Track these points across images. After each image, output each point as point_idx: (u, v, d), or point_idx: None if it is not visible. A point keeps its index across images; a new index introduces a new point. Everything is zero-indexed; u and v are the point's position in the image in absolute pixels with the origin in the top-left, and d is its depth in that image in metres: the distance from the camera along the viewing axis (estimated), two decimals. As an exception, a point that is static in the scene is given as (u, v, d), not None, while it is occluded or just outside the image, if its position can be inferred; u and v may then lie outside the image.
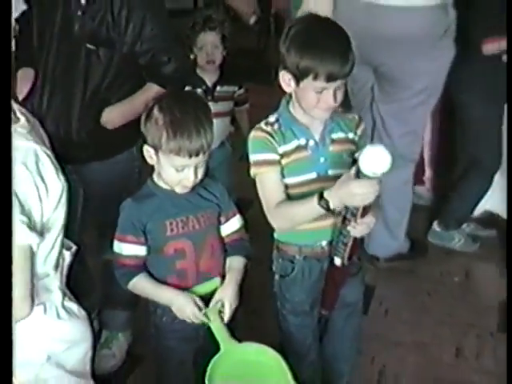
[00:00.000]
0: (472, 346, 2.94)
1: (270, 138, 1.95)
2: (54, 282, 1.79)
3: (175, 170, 1.89)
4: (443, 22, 2.98)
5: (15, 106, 1.75)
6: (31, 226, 1.62)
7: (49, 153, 1.70)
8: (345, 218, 1.91)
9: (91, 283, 2.85)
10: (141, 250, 1.98)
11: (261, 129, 1.98)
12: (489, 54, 3.14)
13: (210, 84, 3.18)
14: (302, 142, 1.98)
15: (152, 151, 1.92)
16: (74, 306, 1.85)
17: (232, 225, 2.09)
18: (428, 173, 4.03)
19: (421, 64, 2.98)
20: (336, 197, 1.83)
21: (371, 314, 3.09)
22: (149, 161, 1.97)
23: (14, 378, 1.46)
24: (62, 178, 1.72)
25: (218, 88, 3.20)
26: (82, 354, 1.88)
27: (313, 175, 1.98)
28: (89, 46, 2.39)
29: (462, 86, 3.31)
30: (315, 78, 1.86)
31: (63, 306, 1.81)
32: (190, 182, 1.92)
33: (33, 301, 1.66)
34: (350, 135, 2.04)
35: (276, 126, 1.97)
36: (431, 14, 2.93)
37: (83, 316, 1.88)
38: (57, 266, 1.79)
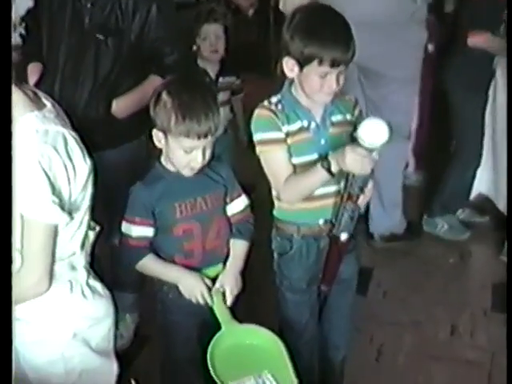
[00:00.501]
0: (466, 324, 3.02)
1: (274, 116, 2.00)
2: (79, 261, 1.84)
3: (184, 152, 1.94)
4: (408, 7, 3.07)
5: (40, 93, 1.79)
6: (62, 207, 1.67)
7: (75, 135, 1.75)
8: (350, 194, 1.98)
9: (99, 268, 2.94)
10: (149, 232, 2.03)
11: (265, 107, 2.04)
12: (473, 47, 3.22)
13: (212, 75, 3.25)
14: (305, 123, 2.04)
15: (161, 135, 1.97)
16: (97, 285, 1.89)
17: (237, 205, 2.13)
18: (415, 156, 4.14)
19: (388, 50, 3.06)
20: (334, 160, 1.91)
21: (370, 295, 3.18)
22: (157, 145, 2.02)
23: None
24: (87, 159, 1.77)
25: (220, 79, 3.29)
26: (106, 331, 1.92)
27: (314, 156, 2.04)
28: (98, 36, 2.48)
29: (446, 74, 3.42)
30: (320, 63, 1.92)
31: (88, 284, 1.85)
32: (198, 164, 1.97)
33: (51, 278, 1.71)
34: (348, 117, 2.11)
35: (279, 107, 2.03)
36: (395, 1, 3.02)
37: (106, 294, 1.93)
38: (83, 245, 1.84)
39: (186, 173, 2.00)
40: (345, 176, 1.98)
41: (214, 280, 2.07)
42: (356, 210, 2.03)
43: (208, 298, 2.02)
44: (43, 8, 2.60)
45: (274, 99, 2.06)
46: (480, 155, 3.53)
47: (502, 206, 3.57)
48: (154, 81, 2.52)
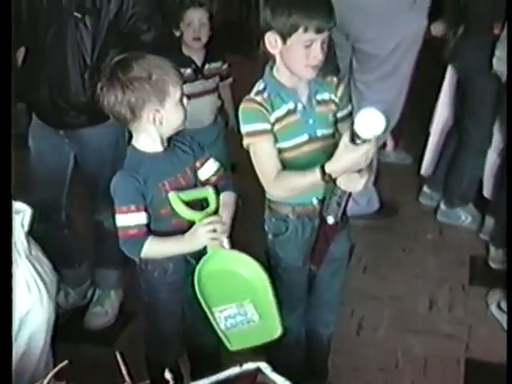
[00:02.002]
0: (445, 298, 3.07)
1: (261, 108, 2.00)
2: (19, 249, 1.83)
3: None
4: None
5: None
6: None
7: None
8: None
9: (81, 254, 2.96)
10: (144, 218, 2.01)
11: (252, 100, 2.03)
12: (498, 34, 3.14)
13: (198, 63, 3.17)
14: (291, 106, 2.04)
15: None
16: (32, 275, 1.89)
17: (208, 168, 2.13)
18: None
19: (386, 32, 3.05)
20: (339, 169, 1.91)
21: (351, 269, 3.15)
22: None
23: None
24: None
25: (207, 66, 3.20)
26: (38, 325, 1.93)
27: (304, 137, 2.06)
28: (76, 14, 2.47)
29: (464, 60, 3.37)
30: (305, 30, 1.93)
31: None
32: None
33: None
34: (332, 96, 2.11)
35: (265, 95, 2.03)
36: None
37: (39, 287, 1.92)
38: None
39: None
40: None
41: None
42: (344, 196, 2.02)
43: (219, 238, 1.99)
44: None
45: (259, 87, 2.06)
46: (491, 138, 3.45)
47: (485, 191, 3.57)
48: None
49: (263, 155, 2.04)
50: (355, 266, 3.26)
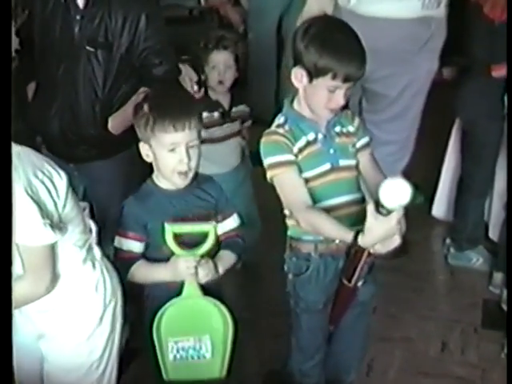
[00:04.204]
0: (457, 340, 3.02)
1: (284, 139, 2.00)
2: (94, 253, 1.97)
3: (168, 152, 1.95)
4: (422, 35, 3.01)
5: None
6: (53, 226, 1.74)
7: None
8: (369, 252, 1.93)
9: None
10: (139, 247, 2.05)
11: (274, 132, 2.04)
12: (498, 77, 3.12)
13: (226, 106, 3.11)
14: (311, 137, 2.05)
15: (146, 147, 2.00)
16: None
17: (229, 224, 2.14)
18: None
19: (396, 73, 3.04)
20: (372, 242, 1.85)
21: None
22: (145, 158, 2.04)
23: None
24: (62, 174, 1.82)
25: (234, 109, 3.15)
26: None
27: (327, 166, 2.06)
28: (88, 48, 2.49)
29: (466, 103, 3.35)
30: (334, 77, 1.93)
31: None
32: (184, 165, 1.97)
33: (55, 281, 1.83)
34: (350, 128, 2.13)
35: (287, 127, 2.03)
36: (409, 27, 2.96)
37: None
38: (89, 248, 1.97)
39: (177, 181, 2.00)
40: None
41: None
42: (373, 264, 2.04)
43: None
44: (36, 20, 2.60)
45: (280, 120, 2.05)
46: (493, 180, 3.45)
47: (491, 233, 3.55)
48: (142, 94, 2.51)
49: (289, 186, 2.01)
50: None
